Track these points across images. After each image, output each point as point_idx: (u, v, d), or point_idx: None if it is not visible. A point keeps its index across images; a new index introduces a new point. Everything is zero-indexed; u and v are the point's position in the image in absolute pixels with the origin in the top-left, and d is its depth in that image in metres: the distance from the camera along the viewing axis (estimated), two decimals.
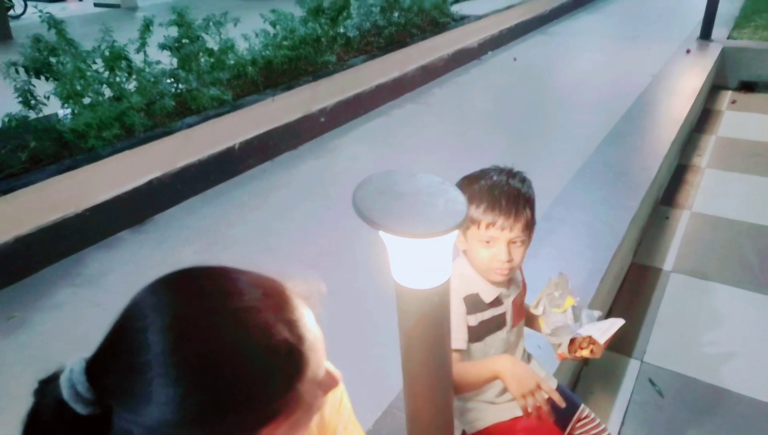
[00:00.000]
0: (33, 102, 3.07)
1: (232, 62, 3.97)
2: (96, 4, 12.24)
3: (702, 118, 5.15)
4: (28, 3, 10.57)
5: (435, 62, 6.02)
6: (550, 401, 1.24)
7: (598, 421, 1.53)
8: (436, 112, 5.19)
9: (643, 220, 3.21)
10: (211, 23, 3.84)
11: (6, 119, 2.97)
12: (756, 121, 5.05)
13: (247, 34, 4.32)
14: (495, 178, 1.29)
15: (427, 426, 1.20)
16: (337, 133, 4.65)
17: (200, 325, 0.58)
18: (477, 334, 1.35)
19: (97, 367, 0.59)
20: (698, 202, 3.68)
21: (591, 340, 1.28)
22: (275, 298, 0.63)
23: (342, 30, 4.97)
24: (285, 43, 4.27)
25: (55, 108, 3.24)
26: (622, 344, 2.44)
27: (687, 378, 2.25)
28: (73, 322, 2.55)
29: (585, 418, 1.53)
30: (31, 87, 3.10)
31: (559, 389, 1.52)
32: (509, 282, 1.39)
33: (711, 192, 3.81)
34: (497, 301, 1.36)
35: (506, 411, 1.44)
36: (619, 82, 5.45)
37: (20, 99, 3.05)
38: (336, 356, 0.76)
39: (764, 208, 3.52)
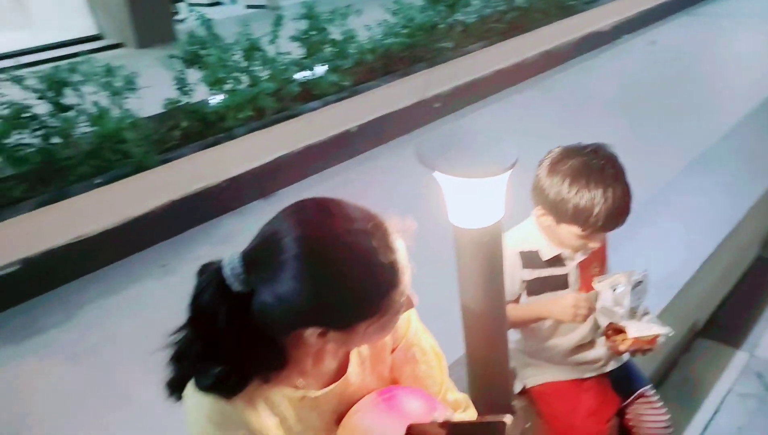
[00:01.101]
0: (186, 88, 3.59)
1: (352, 51, 4.26)
2: (247, 6, 13.50)
3: None
4: (192, 8, 11.94)
5: (560, 47, 5.87)
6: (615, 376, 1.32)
7: (660, 405, 1.52)
8: (558, 98, 5.08)
9: None
10: (335, 15, 4.15)
11: (166, 103, 3.52)
12: None
13: (369, 24, 4.59)
14: (609, 195, 1.23)
15: (484, 361, 1.33)
16: (451, 119, 4.77)
17: (324, 238, 0.81)
18: (533, 288, 1.44)
19: (248, 257, 0.83)
20: None
21: (622, 331, 1.31)
22: (381, 228, 0.85)
23: (461, 16, 5.06)
24: (403, 31, 4.48)
25: (202, 94, 3.76)
26: (731, 335, 2.31)
27: None
28: None
29: (647, 397, 1.52)
30: (185, 76, 3.62)
31: (629, 365, 1.55)
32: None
33: None
34: (557, 261, 1.43)
35: (566, 372, 1.50)
36: None
37: (176, 86, 3.59)
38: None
39: None
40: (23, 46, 7.29)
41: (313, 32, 4.14)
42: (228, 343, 0.83)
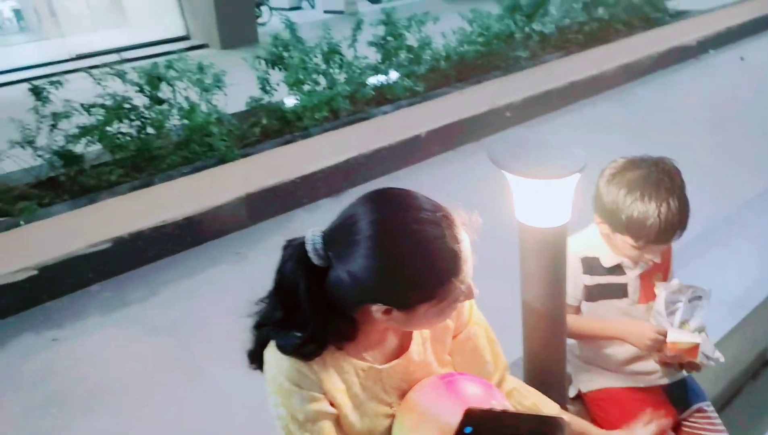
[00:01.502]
0: (268, 88, 3.81)
1: (427, 57, 4.36)
2: (325, 11, 13.94)
3: None
4: (273, 11, 12.48)
5: (641, 60, 5.72)
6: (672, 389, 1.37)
7: (719, 422, 1.49)
8: (634, 112, 4.96)
9: None
10: (413, 22, 4.27)
11: (249, 101, 3.75)
12: None
13: (445, 31, 4.68)
14: (664, 208, 1.25)
15: (542, 361, 1.38)
16: (521, 128, 4.77)
17: (395, 223, 0.91)
18: (590, 294, 1.47)
19: (327, 235, 0.94)
20: None
21: (663, 334, 1.33)
22: (448, 219, 0.93)
23: (538, 26, 5.05)
24: (479, 39, 4.53)
25: (282, 94, 3.97)
26: None
27: None
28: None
29: (705, 412, 1.49)
30: (268, 76, 3.84)
31: (687, 380, 1.54)
32: (637, 257, 1.47)
33: None
34: (618, 269, 1.45)
35: (621, 380, 1.51)
36: None
37: (260, 85, 3.81)
38: None
39: None
40: (118, 44, 7.84)
41: (390, 38, 4.28)
42: (308, 312, 0.94)
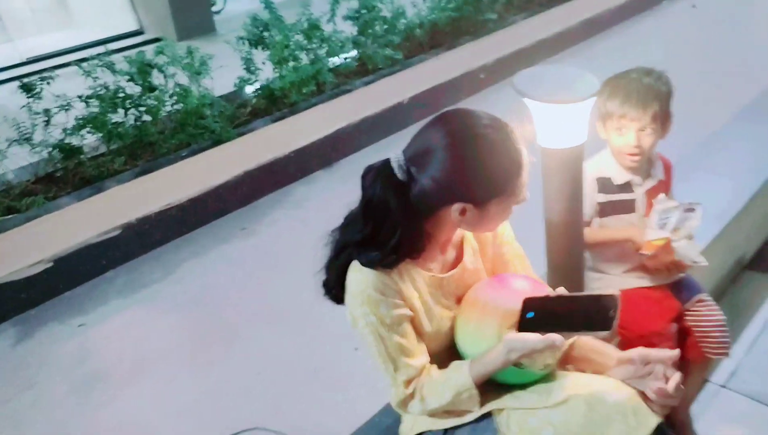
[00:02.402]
0: (252, 68, 3.89)
1: (402, 27, 4.49)
2: None
3: None
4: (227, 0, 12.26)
5: (601, 15, 5.95)
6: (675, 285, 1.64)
7: (716, 307, 1.71)
8: (601, 66, 5.14)
9: None
10: None
11: (237, 81, 3.83)
12: None
13: (415, 1, 4.81)
14: (632, 75, 1.57)
15: (564, 269, 1.59)
16: (496, 88, 4.94)
17: (464, 130, 1.09)
18: (605, 211, 1.67)
19: (408, 154, 1.11)
20: None
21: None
22: (507, 127, 1.12)
23: None
24: (449, 5, 4.68)
25: (267, 73, 4.06)
26: None
27: None
28: (285, 232, 3.32)
29: (705, 301, 1.72)
30: (251, 56, 3.92)
31: (687, 277, 1.77)
32: (645, 174, 1.67)
33: None
34: (627, 187, 1.65)
35: (631, 282, 1.73)
36: None
37: (244, 66, 3.89)
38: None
39: None
40: (69, 44, 7.62)
41: (364, 10, 4.39)
42: (398, 224, 1.10)
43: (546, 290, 1.21)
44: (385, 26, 4.46)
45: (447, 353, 1.24)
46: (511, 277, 1.28)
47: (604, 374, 1.20)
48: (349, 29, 4.50)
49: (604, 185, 1.64)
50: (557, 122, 1.35)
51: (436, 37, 4.77)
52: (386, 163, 1.11)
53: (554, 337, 1.05)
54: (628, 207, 1.66)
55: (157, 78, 3.53)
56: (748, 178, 2.43)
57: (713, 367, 2.00)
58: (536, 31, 5.33)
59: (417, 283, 1.19)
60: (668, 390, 1.09)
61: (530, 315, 1.10)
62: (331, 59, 4.09)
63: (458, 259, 1.27)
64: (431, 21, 4.70)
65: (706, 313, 1.67)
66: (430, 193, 1.09)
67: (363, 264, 1.14)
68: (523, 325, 1.09)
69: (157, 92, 3.41)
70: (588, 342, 1.29)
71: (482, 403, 1.19)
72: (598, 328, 1.05)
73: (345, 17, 4.35)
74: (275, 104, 3.93)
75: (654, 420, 1.08)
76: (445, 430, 1.24)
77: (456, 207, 1.10)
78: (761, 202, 2.42)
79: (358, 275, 1.15)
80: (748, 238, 2.46)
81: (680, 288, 1.72)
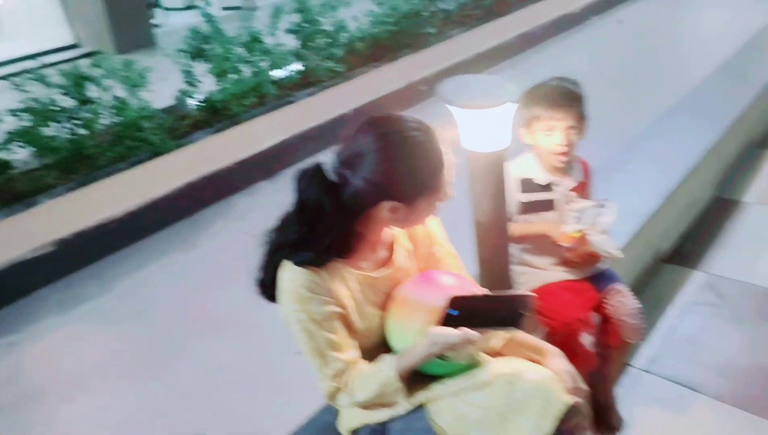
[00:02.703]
0: (193, 80, 3.88)
1: (344, 40, 4.59)
2: (224, 8, 13.71)
3: None
4: (168, 12, 12.10)
5: (534, 29, 6.24)
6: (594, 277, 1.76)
7: (631, 295, 1.83)
8: (535, 76, 5.41)
9: (730, 157, 3.33)
10: (326, 7, 4.47)
11: (178, 94, 3.81)
12: None
13: (357, 15, 4.92)
14: (553, 83, 1.70)
15: (492, 265, 1.67)
16: (436, 100, 5.10)
17: (392, 133, 1.17)
18: (526, 209, 1.78)
19: (340, 157, 1.17)
20: None
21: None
22: (435, 134, 1.19)
23: (442, 4, 5.41)
24: (389, 20, 4.81)
25: (208, 85, 4.05)
26: (691, 259, 2.69)
27: (749, 284, 2.47)
28: (227, 244, 3.30)
29: (620, 290, 1.83)
30: (192, 68, 3.91)
31: (605, 270, 1.90)
32: (564, 174, 1.78)
33: None
34: (548, 187, 1.77)
35: (554, 275, 1.84)
36: (738, 39, 5.31)
37: (185, 79, 3.88)
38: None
39: None
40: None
41: (306, 24, 4.46)
42: (331, 224, 1.16)
43: (472, 287, 1.30)
44: (327, 39, 4.53)
45: (380, 350, 1.29)
46: (438, 275, 1.34)
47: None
48: (292, 42, 4.56)
49: (527, 185, 1.75)
50: (479, 127, 1.44)
51: (377, 51, 4.88)
52: (319, 166, 1.17)
53: (470, 332, 1.13)
54: (548, 206, 1.78)
55: (93, 91, 3.47)
56: (663, 179, 2.61)
57: (633, 352, 2.14)
58: (474, 44, 5.53)
59: (348, 281, 1.24)
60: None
61: (453, 312, 1.19)
62: (274, 72, 4.12)
63: (389, 258, 1.33)
64: (372, 35, 4.81)
65: (621, 302, 1.79)
66: (363, 193, 1.15)
67: (296, 264, 1.19)
68: (447, 321, 1.17)
69: (93, 105, 3.35)
70: (520, 337, 1.38)
71: (414, 396, 1.26)
72: (511, 325, 1.15)
73: (287, 30, 4.40)
74: (217, 116, 3.92)
75: (568, 398, 1.17)
76: (381, 423, 1.29)
77: (387, 205, 1.17)
78: (675, 201, 2.61)
79: (289, 274, 1.20)
80: (665, 234, 2.65)
81: (599, 280, 1.85)
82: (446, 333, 1.14)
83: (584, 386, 1.24)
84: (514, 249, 1.86)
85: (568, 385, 1.21)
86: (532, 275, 1.86)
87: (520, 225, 1.77)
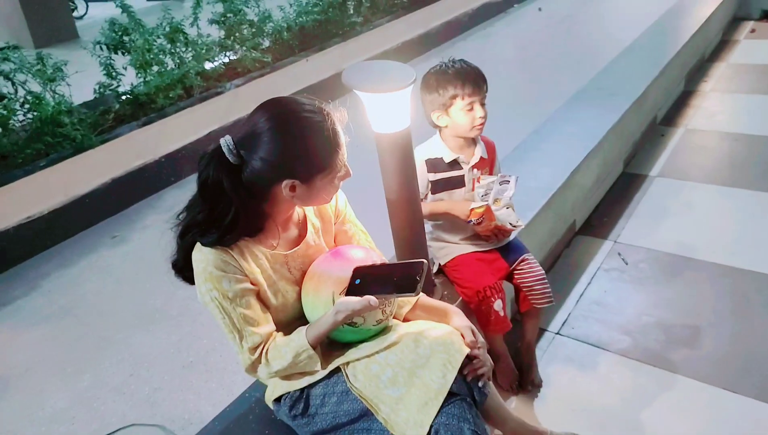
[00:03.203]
0: (114, 73, 3.79)
1: (269, 30, 4.58)
2: None
3: (718, 48, 5.34)
4: (89, 4, 11.61)
5: (460, 17, 6.43)
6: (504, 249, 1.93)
7: (537, 264, 2.00)
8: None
9: (634, 135, 3.59)
10: None
11: (96, 88, 3.71)
12: None
13: (282, 5, 4.92)
14: (457, 65, 1.79)
15: (406, 237, 1.77)
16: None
17: (287, 114, 1.21)
18: (436, 187, 1.90)
19: (237, 139, 1.21)
20: (695, 121, 4.01)
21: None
22: (326, 111, 1.25)
23: None
24: (315, 9, 4.84)
25: (130, 78, 3.97)
26: (601, 230, 2.91)
27: (651, 250, 2.71)
28: (158, 237, 3.25)
29: (527, 260, 2.00)
30: (112, 61, 3.82)
31: (514, 241, 2.05)
32: (470, 153, 1.91)
33: (709, 111, 4.12)
34: (456, 165, 1.89)
35: (467, 248, 1.98)
36: (645, 22, 5.65)
37: (104, 72, 3.78)
38: None
39: (763, 121, 3.81)
40: None
41: (230, 14, 4.42)
42: (232, 203, 1.21)
43: (374, 257, 1.39)
44: (252, 30, 4.51)
45: (298, 323, 1.37)
46: (347, 249, 1.41)
47: None
48: (217, 33, 4.51)
49: (435, 165, 1.87)
50: (383, 109, 1.54)
51: (305, 40, 4.90)
52: (218, 148, 1.21)
53: (370, 298, 1.22)
54: (458, 182, 1.90)
55: (5, 86, 3.34)
56: (571, 156, 2.80)
57: (545, 317, 2.32)
58: (401, 33, 5.65)
59: (259, 259, 1.31)
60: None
61: (357, 281, 1.28)
62: (199, 63, 4.07)
63: (301, 236, 1.40)
64: (299, 24, 4.82)
65: (528, 270, 1.96)
66: (261, 172, 1.21)
67: (203, 244, 1.24)
68: (351, 290, 1.27)
69: (5, 101, 3.22)
70: (424, 301, 1.49)
71: (330, 362, 1.35)
72: (407, 291, 1.23)
73: (210, 21, 4.35)
74: (142, 109, 3.85)
75: (466, 349, 1.30)
76: (302, 390, 1.38)
77: (285, 184, 1.22)
78: (583, 176, 2.82)
79: (199, 255, 1.25)
80: (576, 208, 2.85)
81: (508, 251, 2.00)
82: (349, 301, 1.23)
83: (481, 339, 1.37)
84: (429, 226, 1.98)
85: (467, 338, 1.33)
86: (447, 250, 1.99)
87: (429, 204, 1.89)
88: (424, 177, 1.87)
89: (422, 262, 1.26)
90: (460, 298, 1.94)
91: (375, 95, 1.54)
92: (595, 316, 2.37)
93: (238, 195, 1.21)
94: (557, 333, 2.31)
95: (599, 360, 2.16)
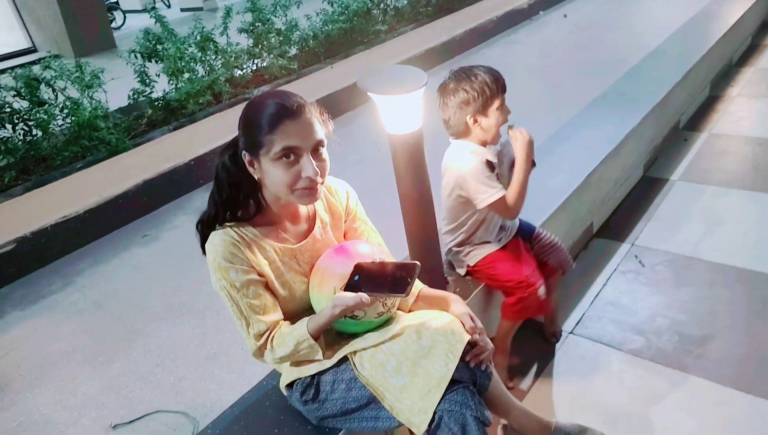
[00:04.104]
0: (147, 80, 3.97)
1: (296, 38, 4.72)
2: (182, 9, 13.62)
3: (747, 53, 5.27)
4: (126, 15, 12.06)
5: (484, 24, 6.48)
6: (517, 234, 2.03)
7: (548, 234, 2.12)
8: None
9: (655, 139, 3.59)
10: (277, 7, 4.60)
11: (131, 94, 3.89)
12: None
13: (309, 14, 5.05)
14: (478, 69, 1.84)
15: (419, 235, 1.85)
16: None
17: (252, 101, 1.31)
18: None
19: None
20: (719, 126, 3.97)
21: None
22: (293, 104, 1.27)
23: (392, 2, 5.58)
24: (340, 18, 4.96)
25: (163, 85, 4.14)
26: (618, 233, 2.92)
27: (669, 253, 2.70)
28: (187, 237, 3.39)
29: (540, 234, 2.11)
30: (146, 69, 4.00)
31: (522, 225, 2.11)
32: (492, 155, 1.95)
33: (734, 116, 4.07)
34: (493, 165, 1.93)
35: (494, 246, 2.03)
36: (669, 28, 5.61)
37: (138, 79, 3.96)
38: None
39: None
40: None
41: (259, 24, 4.58)
42: (232, 190, 1.33)
43: (383, 256, 1.44)
44: (280, 38, 4.66)
45: (307, 314, 1.43)
46: (351, 245, 1.47)
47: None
48: (247, 42, 4.67)
49: (490, 165, 1.89)
50: (396, 111, 1.62)
51: (330, 48, 5.02)
52: (234, 139, 1.32)
53: (363, 296, 1.29)
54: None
55: (46, 93, 3.53)
56: (587, 160, 2.83)
57: (563, 319, 2.36)
58: (424, 40, 5.73)
59: (267, 252, 1.39)
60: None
61: (356, 278, 1.35)
62: (229, 70, 4.23)
63: (310, 230, 1.48)
64: (324, 33, 4.95)
65: (544, 240, 2.09)
66: (240, 151, 1.32)
67: (201, 223, 1.37)
68: (350, 286, 1.33)
69: (46, 106, 3.41)
70: (426, 292, 1.56)
71: (337, 351, 1.42)
72: (398, 292, 1.29)
73: (239, 30, 4.51)
74: (173, 114, 4.02)
75: (466, 336, 1.36)
76: (312, 376, 1.45)
77: (244, 155, 1.31)
78: (600, 180, 2.84)
79: (210, 246, 1.35)
80: (594, 211, 2.87)
81: (523, 234, 2.09)
82: (344, 296, 1.30)
83: (480, 324, 1.42)
84: (451, 234, 2.03)
85: (467, 325, 1.39)
86: (475, 251, 2.03)
87: (510, 188, 1.88)
88: (490, 175, 1.86)
89: (416, 264, 1.32)
90: (501, 297, 2.03)
91: (387, 97, 1.62)
92: (609, 316, 2.39)
93: (230, 172, 1.33)
94: (571, 332, 2.34)
95: (612, 359, 2.18)
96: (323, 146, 1.31)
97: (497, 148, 1.96)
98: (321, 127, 1.31)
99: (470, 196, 1.85)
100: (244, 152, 1.30)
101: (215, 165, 1.35)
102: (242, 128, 1.31)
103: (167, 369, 2.39)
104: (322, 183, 1.33)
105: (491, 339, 2.09)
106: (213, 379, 2.28)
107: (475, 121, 1.84)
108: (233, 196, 1.34)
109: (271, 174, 1.29)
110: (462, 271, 2.08)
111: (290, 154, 1.26)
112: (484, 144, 1.90)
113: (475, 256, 2.03)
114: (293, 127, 1.25)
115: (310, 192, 1.30)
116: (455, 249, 2.05)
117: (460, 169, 1.84)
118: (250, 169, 1.32)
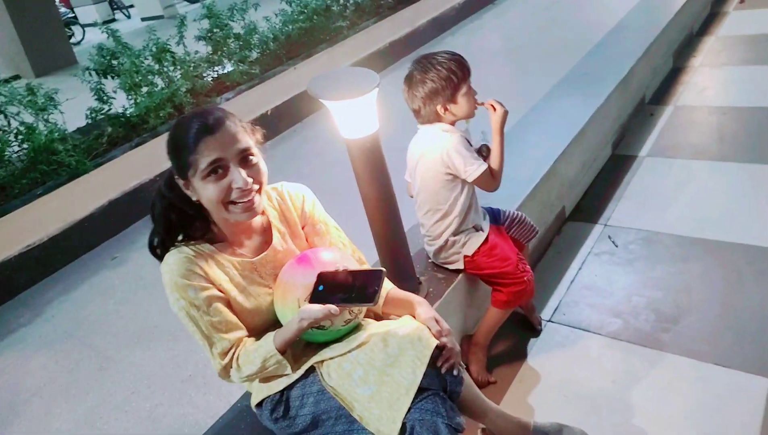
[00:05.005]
0: (105, 97, 3.87)
1: (256, 41, 4.63)
2: (143, 19, 13.39)
3: (706, 22, 5.30)
4: (85, 29, 11.82)
5: (446, 12, 6.43)
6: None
7: (513, 211, 2.15)
8: None
9: (621, 117, 3.58)
10: (234, 11, 4.51)
11: (88, 113, 3.79)
12: (760, 16, 5.14)
13: (268, 15, 4.96)
14: (440, 56, 1.83)
15: (386, 235, 1.81)
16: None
17: (171, 129, 1.27)
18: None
19: None
20: (683, 97, 3.98)
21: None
22: (211, 120, 1.24)
23: None
24: (300, 17, 4.88)
25: (122, 100, 4.04)
26: (591, 215, 2.91)
27: (642, 231, 2.70)
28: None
29: (505, 213, 2.14)
30: (102, 86, 3.89)
31: (490, 209, 2.12)
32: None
33: (698, 87, 4.09)
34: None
35: (486, 232, 2.01)
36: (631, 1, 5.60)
37: (95, 96, 3.86)
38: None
39: (751, 92, 3.78)
40: None
41: (216, 30, 4.48)
42: (165, 211, 1.32)
43: (348, 262, 1.41)
44: (239, 43, 4.57)
45: (275, 327, 1.39)
46: (314, 253, 1.43)
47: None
48: (205, 49, 4.57)
49: (467, 141, 1.91)
50: (350, 115, 1.57)
51: (292, 49, 4.95)
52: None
53: (331, 307, 1.26)
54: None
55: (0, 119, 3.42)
56: (553, 145, 2.81)
57: (537, 305, 2.34)
58: (387, 33, 5.67)
59: (226, 268, 1.35)
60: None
61: (321, 288, 1.31)
62: (189, 80, 4.13)
63: (267, 243, 1.44)
64: (285, 33, 4.87)
65: (510, 218, 2.14)
66: (174, 174, 1.31)
67: (152, 246, 1.34)
68: (315, 297, 1.30)
69: None
70: (394, 294, 1.52)
71: (304, 362, 1.38)
72: (367, 301, 1.26)
73: (196, 38, 4.41)
74: (134, 130, 3.92)
75: (434, 341, 1.32)
76: (281, 392, 1.41)
77: (178, 180, 1.30)
78: (568, 163, 2.83)
79: (164, 266, 1.30)
80: (564, 195, 2.85)
81: (494, 218, 2.11)
82: (311, 309, 1.27)
83: (446, 326, 1.39)
84: (455, 224, 1.98)
85: (433, 329, 1.36)
86: (473, 238, 1.99)
87: (490, 161, 1.90)
88: (471, 147, 1.89)
89: (381, 270, 1.30)
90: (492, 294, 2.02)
91: (340, 103, 1.56)
92: (586, 300, 2.38)
93: (165, 198, 1.32)
94: (549, 320, 2.32)
95: (590, 344, 2.17)
96: (251, 154, 1.28)
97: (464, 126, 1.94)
98: (246, 136, 1.28)
99: (458, 170, 1.84)
100: (176, 177, 1.26)
101: (151, 199, 1.31)
102: (169, 153, 1.27)
103: (142, 396, 2.32)
104: (259, 190, 1.29)
105: (470, 336, 2.09)
106: (190, 403, 2.22)
107: (446, 109, 1.85)
108: (173, 224, 1.30)
109: (203, 193, 1.26)
110: (459, 266, 2.03)
111: (218, 169, 1.23)
112: (453, 124, 1.91)
113: (473, 243, 1.98)
114: (213, 141, 1.22)
115: (246, 205, 1.27)
116: (452, 239, 1.98)
117: (443, 147, 1.84)
118: (188, 193, 1.29)
